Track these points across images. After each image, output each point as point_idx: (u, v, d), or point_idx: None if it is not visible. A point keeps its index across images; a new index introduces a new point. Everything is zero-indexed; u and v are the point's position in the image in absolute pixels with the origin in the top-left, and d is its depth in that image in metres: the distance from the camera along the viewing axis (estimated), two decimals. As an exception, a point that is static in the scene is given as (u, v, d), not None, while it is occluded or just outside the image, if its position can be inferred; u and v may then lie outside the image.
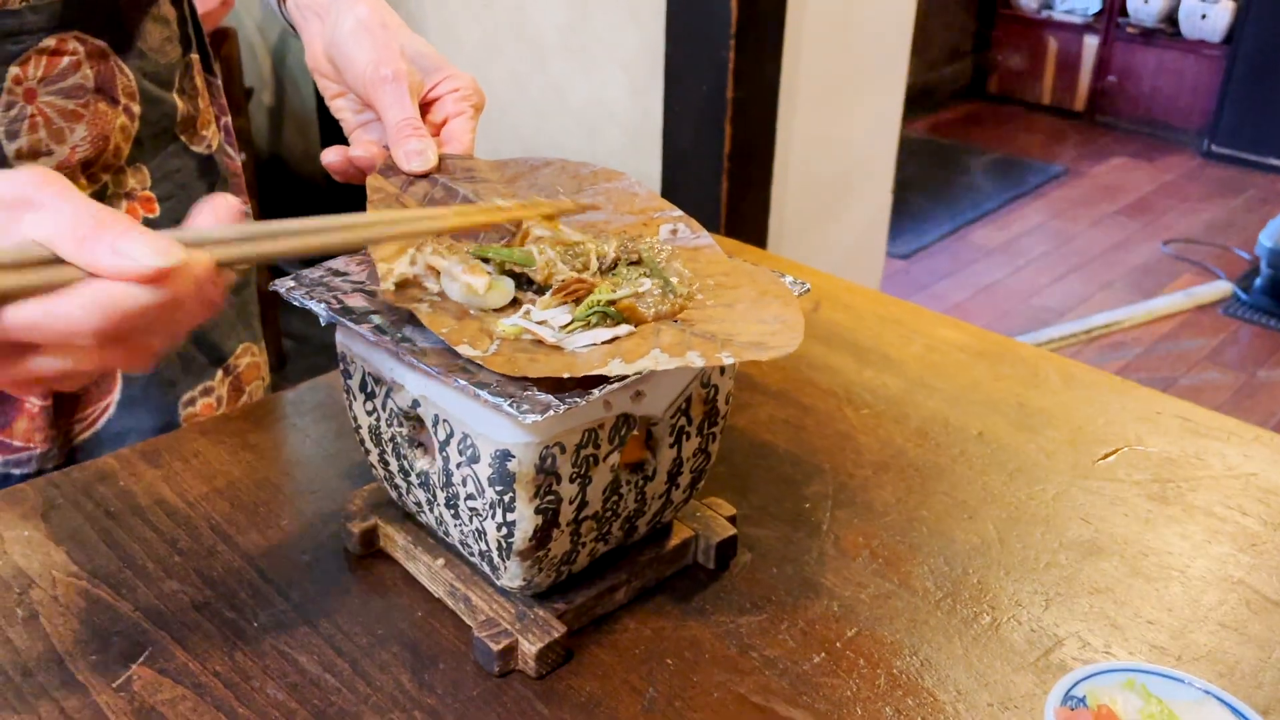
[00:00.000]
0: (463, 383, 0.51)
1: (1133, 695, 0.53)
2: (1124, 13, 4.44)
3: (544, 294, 0.57)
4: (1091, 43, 4.53)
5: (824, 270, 1.05)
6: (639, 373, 0.51)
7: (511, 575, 0.57)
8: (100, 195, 0.76)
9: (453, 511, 0.58)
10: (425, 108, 0.69)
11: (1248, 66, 4.08)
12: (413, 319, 0.56)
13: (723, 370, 0.60)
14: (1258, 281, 3.17)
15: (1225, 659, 0.60)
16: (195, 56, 0.84)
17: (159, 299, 0.42)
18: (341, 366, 0.62)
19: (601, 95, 2.00)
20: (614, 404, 0.55)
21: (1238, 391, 2.76)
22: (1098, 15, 4.51)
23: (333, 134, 2.72)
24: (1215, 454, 0.77)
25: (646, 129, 1.95)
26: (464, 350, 0.52)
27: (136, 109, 0.77)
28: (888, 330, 0.93)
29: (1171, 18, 4.34)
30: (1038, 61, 4.71)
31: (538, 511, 0.54)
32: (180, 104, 0.81)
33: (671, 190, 1.92)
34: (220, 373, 0.87)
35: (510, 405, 0.49)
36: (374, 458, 0.63)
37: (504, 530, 0.55)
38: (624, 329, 0.54)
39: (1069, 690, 0.52)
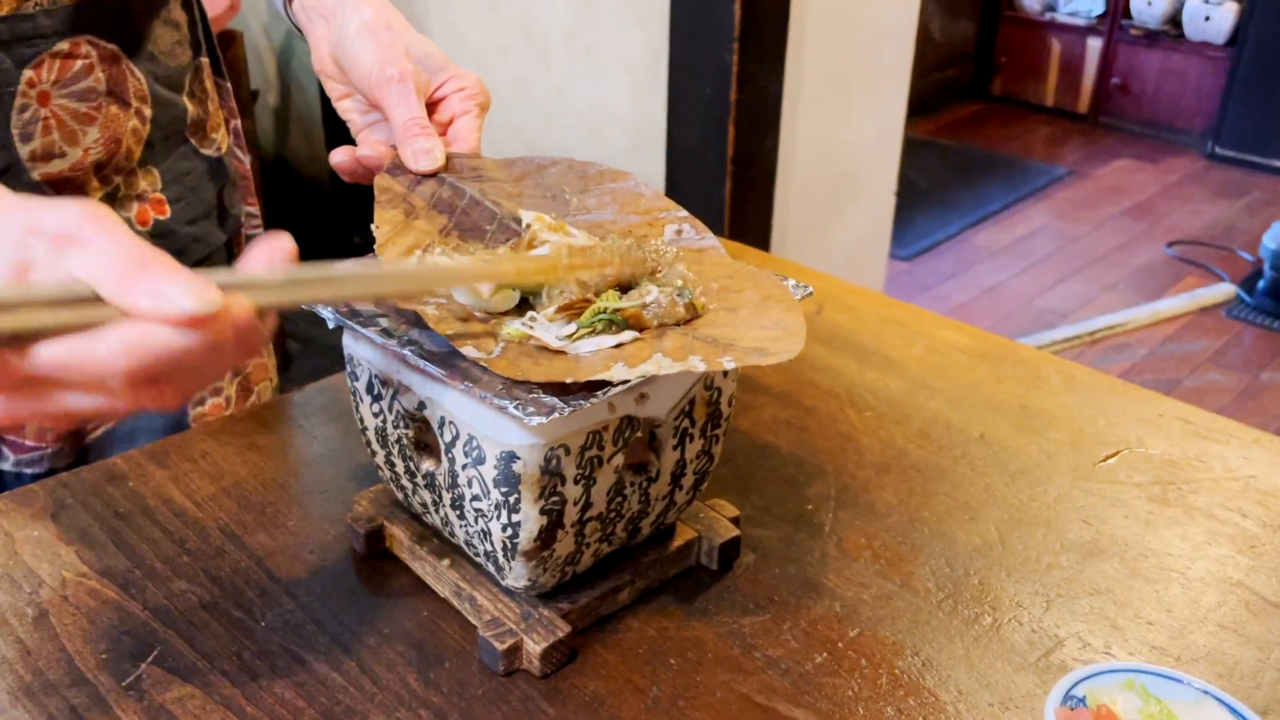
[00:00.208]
0: (468, 385, 0.51)
1: (1132, 695, 0.53)
2: (1127, 15, 4.44)
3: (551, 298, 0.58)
4: (1095, 45, 4.53)
5: (827, 272, 1.06)
6: (641, 377, 0.52)
7: (516, 575, 0.58)
8: (112, 197, 0.77)
9: (458, 512, 0.59)
10: (431, 107, 0.69)
11: (1252, 68, 4.08)
12: (419, 321, 0.56)
13: (725, 373, 0.61)
14: (1261, 284, 3.17)
15: (1224, 660, 0.61)
16: (205, 60, 0.85)
17: (194, 343, 0.40)
18: (348, 369, 0.63)
19: (605, 97, 2.01)
20: (618, 406, 0.55)
21: (1241, 394, 2.76)
22: (1101, 17, 4.51)
23: (338, 135, 2.73)
24: (1216, 456, 0.78)
25: (650, 131, 1.96)
26: (469, 352, 0.53)
27: (148, 112, 0.78)
28: (890, 332, 0.94)
29: (1175, 20, 4.34)
30: (1041, 63, 4.71)
31: (542, 512, 0.55)
32: (190, 107, 0.82)
33: (675, 192, 1.93)
34: (229, 373, 0.88)
35: (516, 407, 0.50)
36: (380, 459, 0.64)
37: (509, 531, 0.55)
38: (629, 335, 0.55)
39: (1069, 690, 0.52)
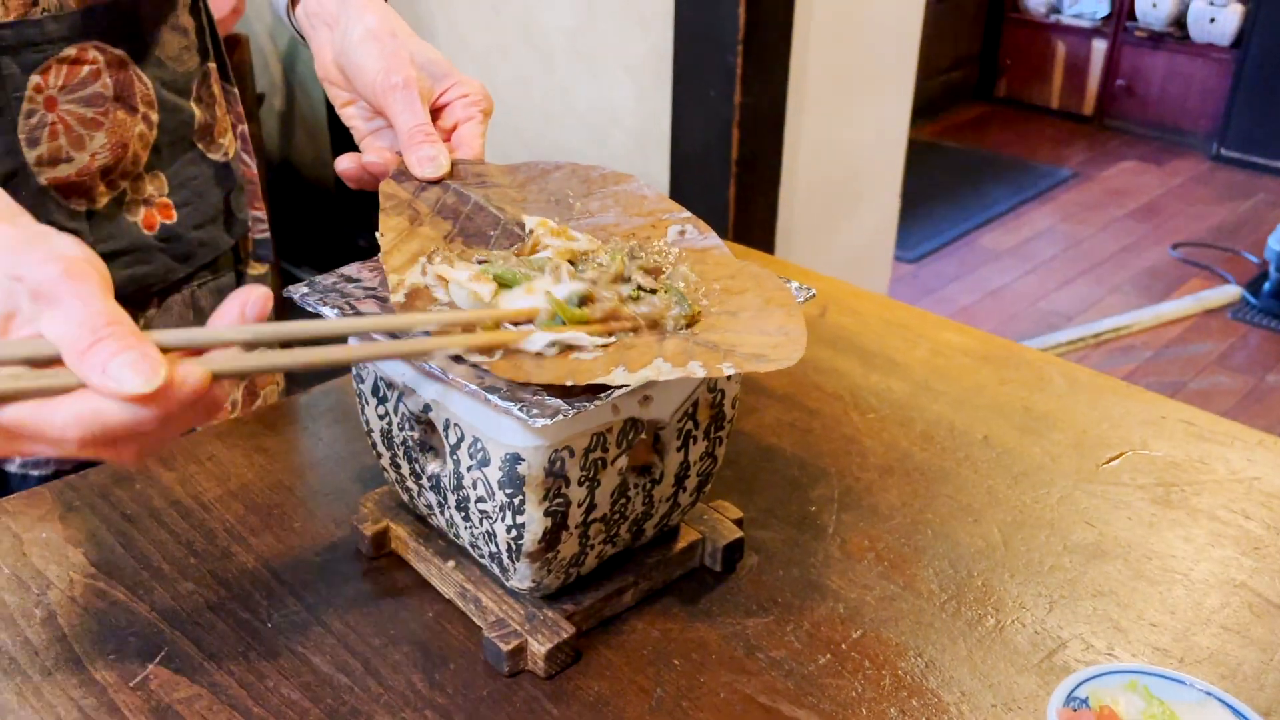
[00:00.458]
0: (473, 387, 0.52)
1: (1135, 696, 0.53)
2: (1132, 16, 4.44)
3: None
4: (1100, 46, 4.53)
5: (832, 274, 1.06)
6: (641, 383, 0.52)
7: (521, 577, 0.58)
8: (118, 202, 0.78)
9: (463, 514, 0.59)
10: (435, 114, 0.70)
11: (1257, 70, 4.07)
12: (424, 325, 0.56)
13: (729, 375, 0.61)
14: (1267, 286, 3.17)
15: (1227, 661, 0.61)
16: (213, 65, 0.85)
17: (144, 415, 0.43)
18: (354, 371, 0.63)
19: (609, 99, 2.01)
20: (622, 408, 0.56)
21: (1246, 396, 2.75)
22: (1106, 19, 4.51)
23: (343, 140, 2.73)
24: (1219, 458, 0.78)
25: (654, 133, 1.96)
26: (472, 355, 0.53)
27: (155, 117, 0.78)
28: (893, 334, 0.94)
29: (1180, 21, 4.33)
30: (1046, 65, 4.70)
31: (547, 514, 0.55)
32: (198, 112, 0.83)
33: (679, 195, 1.93)
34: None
35: (520, 409, 0.50)
36: (386, 461, 0.64)
37: (514, 532, 0.56)
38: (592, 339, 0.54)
39: (1072, 691, 0.53)
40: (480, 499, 0.57)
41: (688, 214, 0.66)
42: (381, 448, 0.64)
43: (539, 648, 0.58)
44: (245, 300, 0.47)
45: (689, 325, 0.56)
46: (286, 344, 0.49)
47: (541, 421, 0.50)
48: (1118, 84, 4.52)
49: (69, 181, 0.74)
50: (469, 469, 0.56)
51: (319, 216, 2.93)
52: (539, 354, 0.53)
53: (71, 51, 0.72)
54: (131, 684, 0.57)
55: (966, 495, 0.74)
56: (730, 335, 0.55)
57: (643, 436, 0.58)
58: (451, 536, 0.63)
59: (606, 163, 2.03)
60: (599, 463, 0.56)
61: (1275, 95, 4.06)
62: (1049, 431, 0.81)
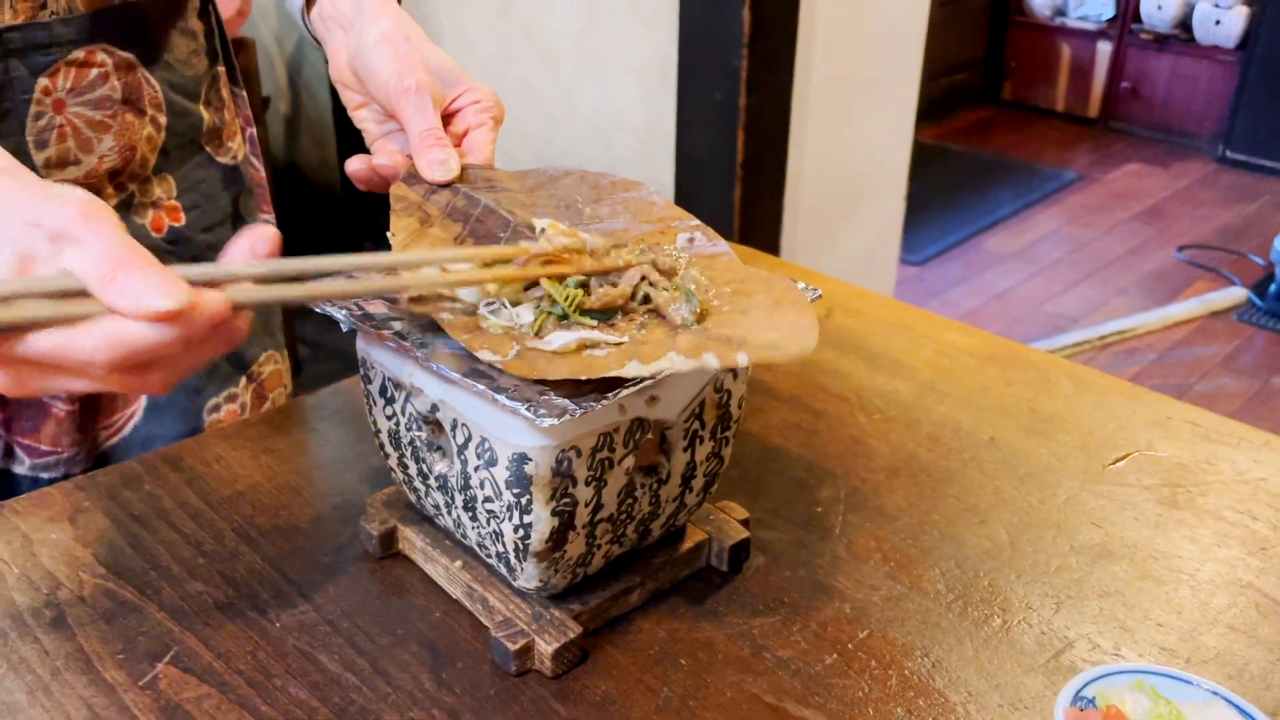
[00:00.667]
0: (481, 387, 0.52)
1: (1141, 696, 0.54)
2: (1137, 19, 4.44)
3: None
4: (1105, 49, 4.53)
5: (837, 277, 1.06)
6: (654, 375, 0.52)
7: (528, 576, 0.58)
8: (127, 204, 0.78)
9: (470, 514, 0.59)
10: (446, 119, 0.70)
11: (1262, 72, 4.07)
12: (432, 325, 0.57)
13: (735, 375, 0.61)
14: (1273, 288, 3.16)
15: (1234, 661, 0.61)
16: (222, 69, 0.86)
17: (169, 336, 0.44)
18: (362, 371, 0.64)
19: (614, 102, 2.01)
20: (629, 408, 0.56)
21: (1252, 398, 2.75)
22: (1111, 21, 4.51)
23: (349, 142, 2.75)
24: (1225, 459, 0.78)
25: (659, 136, 1.96)
26: (484, 355, 0.53)
27: (163, 120, 0.79)
28: (898, 336, 0.94)
29: (1185, 24, 4.33)
30: (1051, 68, 4.70)
31: (554, 514, 0.55)
32: (206, 115, 0.83)
33: (684, 197, 1.93)
34: (244, 379, 0.89)
35: (527, 409, 0.50)
36: (393, 461, 0.65)
37: (521, 532, 0.56)
38: (592, 334, 0.55)
39: (1078, 691, 0.53)
40: (487, 499, 0.57)
41: (696, 221, 0.66)
42: (389, 448, 0.64)
43: (546, 647, 0.58)
44: (255, 238, 0.48)
45: (699, 322, 0.57)
46: (296, 279, 0.51)
47: (549, 421, 0.50)
48: (1123, 86, 4.52)
49: (77, 184, 0.74)
50: (476, 469, 0.57)
51: (324, 219, 2.94)
52: (554, 352, 0.54)
53: (80, 54, 0.72)
54: (141, 683, 0.58)
55: (973, 496, 0.74)
56: (743, 330, 0.55)
57: (649, 436, 0.58)
58: (459, 536, 0.63)
59: (612, 165, 2.04)
60: (606, 463, 0.56)
61: (1281, 97, 4.05)
62: (1055, 433, 0.81)
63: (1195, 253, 3.50)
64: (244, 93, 0.90)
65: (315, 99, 2.85)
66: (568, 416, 0.50)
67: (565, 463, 0.54)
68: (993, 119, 4.75)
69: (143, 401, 0.83)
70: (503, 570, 0.60)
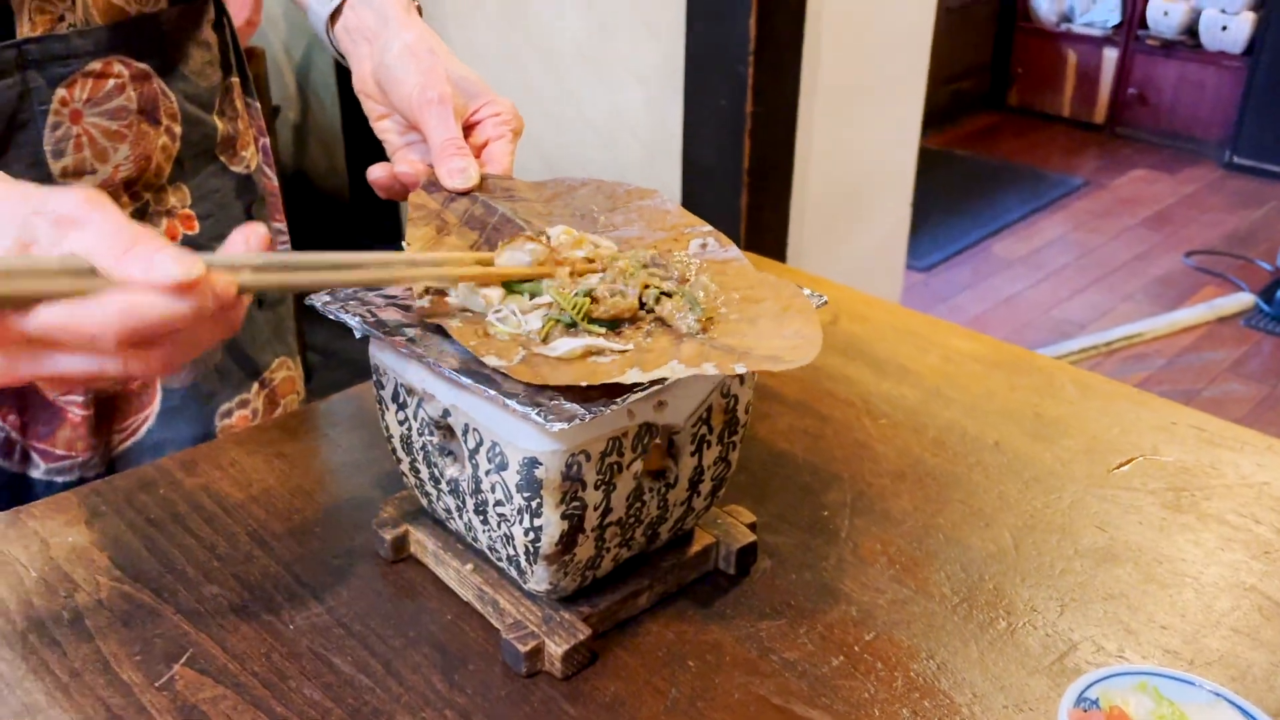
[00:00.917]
0: (492, 393, 0.53)
1: (1145, 698, 0.54)
2: (1144, 25, 4.44)
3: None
4: (1111, 55, 4.53)
5: (844, 283, 1.07)
6: (655, 381, 0.53)
7: (538, 579, 0.59)
8: (141, 213, 0.79)
9: (481, 517, 0.60)
10: (467, 130, 0.71)
11: (1269, 78, 4.06)
12: (443, 332, 0.58)
13: (742, 380, 0.62)
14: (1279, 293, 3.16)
15: (1237, 663, 0.61)
16: (236, 80, 0.87)
17: (181, 309, 0.45)
18: (374, 377, 0.65)
19: (620, 109, 2.02)
20: (637, 413, 0.57)
21: (1260, 404, 2.75)
22: (1117, 27, 4.51)
23: (358, 151, 2.76)
24: (1229, 464, 0.78)
25: (665, 142, 1.97)
26: (490, 360, 0.54)
27: (178, 130, 0.80)
28: (904, 342, 0.95)
29: (1192, 29, 4.33)
30: (1057, 74, 4.71)
31: (564, 517, 0.56)
32: (220, 125, 0.84)
33: (691, 204, 1.93)
34: (256, 386, 0.90)
35: (538, 414, 0.51)
36: (405, 466, 0.65)
37: (531, 535, 0.57)
38: (598, 341, 0.56)
39: (1082, 692, 0.53)
40: (498, 502, 0.58)
41: (709, 228, 0.67)
42: (401, 453, 0.65)
43: (556, 649, 0.59)
44: (248, 234, 0.49)
45: (704, 330, 0.57)
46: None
47: (559, 426, 0.51)
48: (1129, 92, 4.52)
49: None
50: (487, 473, 0.57)
51: (334, 227, 2.95)
52: (559, 358, 0.55)
53: (97, 65, 0.73)
54: (157, 684, 0.59)
55: (978, 500, 0.75)
56: (748, 340, 0.56)
57: (657, 441, 0.59)
58: (470, 540, 0.64)
59: (619, 173, 2.05)
60: (615, 467, 0.57)
61: (1287, 102, 4.05)
62: (1060, 437, 0.81)
63: (1202, 258, 3.50)
64: (257, 103, 0.91)
65: (324, 107, 2.86)
66: (577, 421, 0.51)
67: (575, 467, 0.55)
68: (999, 125, 4.75)
69: (156, 406, 0.84)
70: (513, 573, 0.61)
